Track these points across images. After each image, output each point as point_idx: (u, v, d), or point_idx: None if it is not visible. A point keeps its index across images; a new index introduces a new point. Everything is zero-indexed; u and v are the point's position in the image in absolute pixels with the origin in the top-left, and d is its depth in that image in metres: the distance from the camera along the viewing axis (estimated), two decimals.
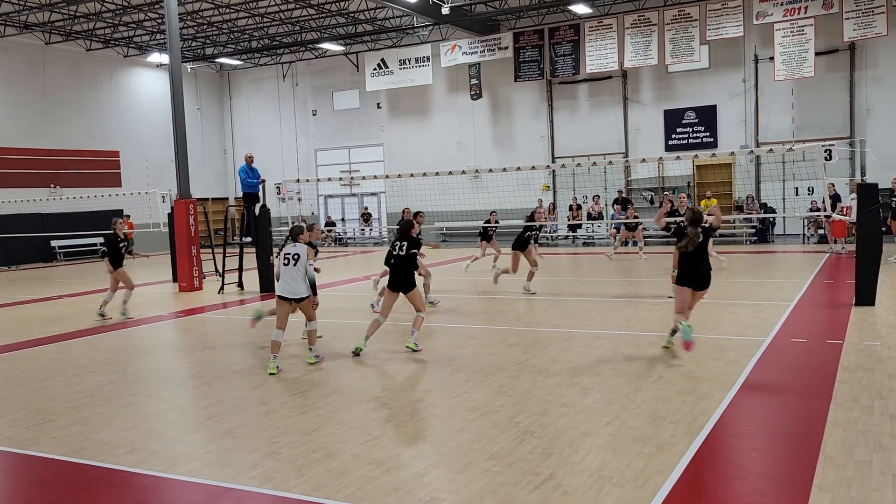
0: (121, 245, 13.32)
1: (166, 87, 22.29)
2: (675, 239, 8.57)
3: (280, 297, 8.73)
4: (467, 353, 9.10)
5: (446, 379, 7.91)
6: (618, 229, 22.82)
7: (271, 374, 8.35)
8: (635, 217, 22.10)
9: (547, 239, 27.91)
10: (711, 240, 10.28)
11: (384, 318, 9.32)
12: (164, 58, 29.46)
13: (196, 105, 33.95)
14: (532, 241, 14.08)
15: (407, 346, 9.24)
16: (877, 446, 5.34)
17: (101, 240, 29.31)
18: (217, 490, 5.10)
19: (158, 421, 6.79)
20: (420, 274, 10.98)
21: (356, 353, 9.11)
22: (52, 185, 28.30)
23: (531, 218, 14.40)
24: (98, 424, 6.71)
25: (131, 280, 13.43)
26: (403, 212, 14.69)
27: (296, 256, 8.68)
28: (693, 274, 8.32)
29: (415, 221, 9.99)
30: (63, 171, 28.75)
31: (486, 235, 17.48)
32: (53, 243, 28.22)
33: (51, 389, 8.12)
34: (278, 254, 9.01)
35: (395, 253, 9.21)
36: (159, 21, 26.88)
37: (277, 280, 9.00)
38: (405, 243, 9.19)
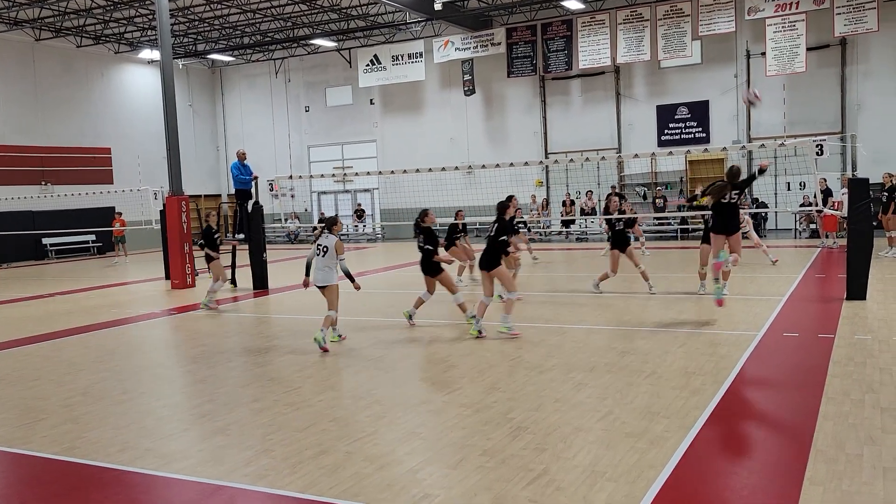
0: (215, 236, 13.87)
1: (158, 83, 22.22)
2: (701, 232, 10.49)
3: (315, 285, 9.58)
4: (461, 350, 9.11)
5: (440, 375, 7.91)
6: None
7: (316, 341, 9.23)
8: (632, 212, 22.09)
9: (540, 234, 27.94)
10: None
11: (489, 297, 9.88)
12: (155, 54, 29.34)
13: (188, 101, 33.83)
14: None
15: (499, 332, 9.68)
16: (868, 440, 5.36)
17: (93, 237, 29.26)
18: (210, 488, 5.09)
19: (151, 419, 6.78)
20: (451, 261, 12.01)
21: (478, 335, 9.64)
22: (43, 183, 28.17)
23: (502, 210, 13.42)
24: (90, 423, 6.69)
25: (223, 272, 13.83)
26: (457, 214, 14.80)
27: (325, 248, 9.46)
28: (727, 223, 10.01)
29: (436, 216, 10.87)
30: (54, 169, 28.61)
31: (451, 240, 14.50)
32: (45, 241, 28.10)
33: (42, 388, 8.09)
34: (315, 245, 9.66)
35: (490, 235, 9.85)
36: (150, 17, 26.76)
37: (308, 268, 9.71)
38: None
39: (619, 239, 12.89)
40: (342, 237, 12.23)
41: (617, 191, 25.75)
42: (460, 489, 4.82)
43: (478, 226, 28.53)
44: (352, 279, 9.51)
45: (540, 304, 12.46)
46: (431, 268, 10.53)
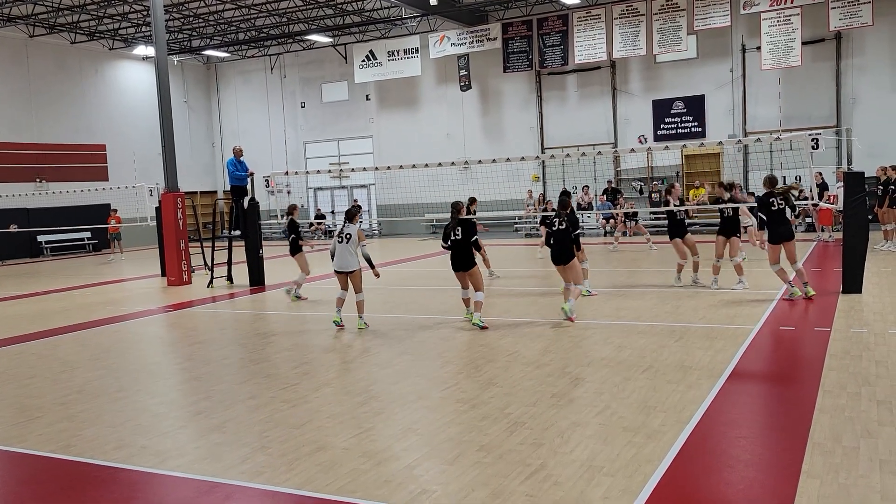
0: (300, 230, 14.21)
1: (153, 79, 22.14)
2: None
3: (336, 271, 10.42)
4: (457, 345, 9.10)
5: (436, 371, 7.90)
6: (607, 220, 22.81)
7: (335, 322, 10.42)
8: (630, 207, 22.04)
9: (536, 229, 27.92)
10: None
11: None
12: (150, 50, 29.24)
13: (183, 98, 33.75)
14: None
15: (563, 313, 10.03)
16: (864, 433, 5.36)
17: (88, 234, 29.19)
18: (207, 485, 5.07)
19: (147, 416, 6.76)
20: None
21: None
22: (37, 180, 28.09)
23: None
24: (86, 421, 6.67)
25: (308, 265, 13.92)
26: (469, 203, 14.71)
27: (348, 236, 10.27)
28: (782, 230, 10.88)
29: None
30: (49, 166, 28.52)
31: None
32: (40, 238, 28.02)
33: (38, 386, 8.06)
34: (338, 234, 10.46)
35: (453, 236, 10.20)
36: (145, 13, 26.67)
37: (333, 257, 10.47)
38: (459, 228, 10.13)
39: (677, 227, 12.68)
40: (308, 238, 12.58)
41: (613, 185, 25.75)
42: (457, 485, 4.81)
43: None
44: (372, 266, 10.32)
45: (537, 298, 12.45)
46: (467, 262, 10.09)
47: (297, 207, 14.70)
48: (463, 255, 10.11)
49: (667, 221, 13.36)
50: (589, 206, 26.07)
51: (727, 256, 12.13)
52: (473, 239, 10.19)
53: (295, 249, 13.83)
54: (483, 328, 9.87)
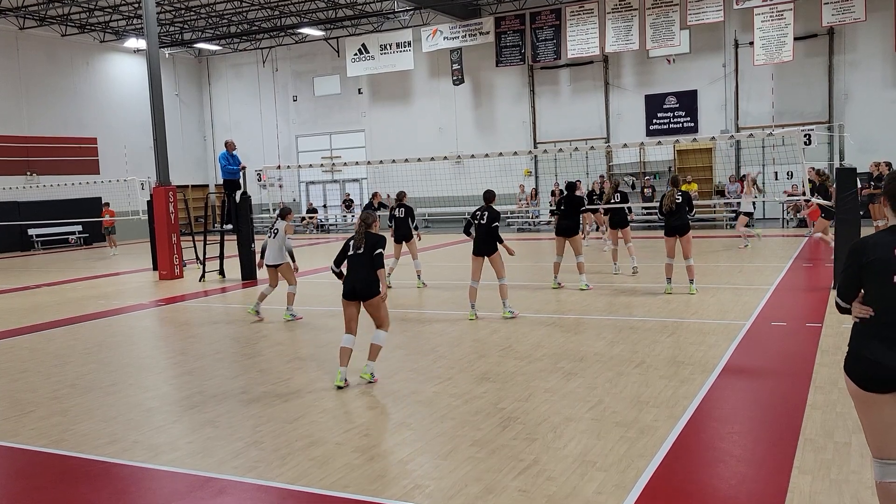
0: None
1: (144, 72, 21.98)
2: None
3: (266, 265, 10.91)
4: (450, 340, 9.11)
5: (430, 366, 7.90)
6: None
7: (251, 312, 11.08)
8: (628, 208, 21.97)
9: (529, 224, 27.96)
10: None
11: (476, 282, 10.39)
12: (141, 43, 29.09)
13: (175, 91, 33.56)
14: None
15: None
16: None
17: (79, 228, 29.05)
18: (200, 480, 5.07)
19: (139, 411, 6.74)
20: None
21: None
22: (28, 173, 27.91)
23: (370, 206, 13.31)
24: (78, 415, 6.65)
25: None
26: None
27: (275, 231, 10.75)
28: (676, 224, 11.38)
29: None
30: (39, 159, 28.35)
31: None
32: (30, 231, 27.87)
33: (30, 380, 8.03)
34: (269, 229, 10.94)
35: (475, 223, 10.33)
36: (136, 5, 26.50)
37: (262, 253, 10.97)
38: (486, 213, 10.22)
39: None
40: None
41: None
42: (451, 479, 4.82)
43: (465, 216, 28.52)
44: (292, 258, 10.85)
45: (529, 293, 12.46)
46: (490, 247, 10.17)
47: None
48: (486, 240, 10.18)
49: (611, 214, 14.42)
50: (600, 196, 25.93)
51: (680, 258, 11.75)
52: (494, 225, 10.27)
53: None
54: (513, 316, 10.19)
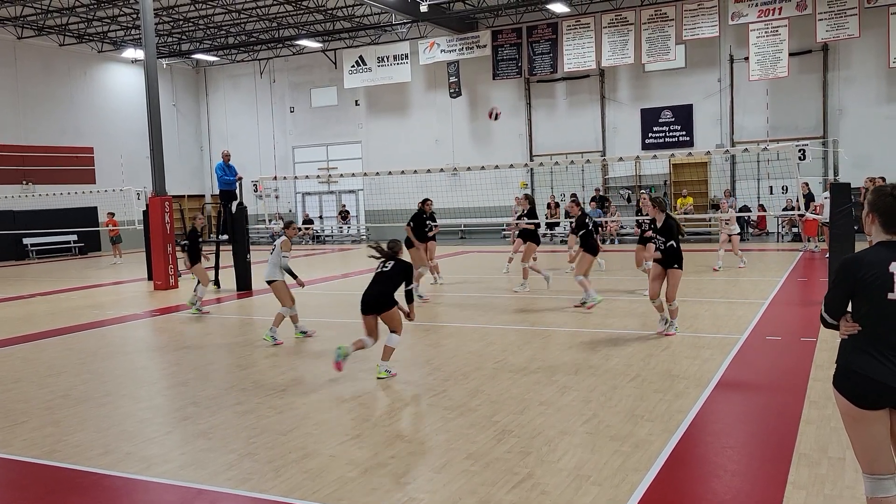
0: (200, 241, 13.86)
1: (141, 82, 22.07)
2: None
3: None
4: (445, 352, 9.10)
5: (424, 378, 7.89)
6: (597, 228, 22.61)
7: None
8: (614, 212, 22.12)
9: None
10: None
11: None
12: (139, 53, 29.13)
13: (172, 101, 33.61)
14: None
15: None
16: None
17: (75, 237, 28.99)
18: (193, 492, 5.05)
19: (133, 422, 6.71)
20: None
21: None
22: (24, 182, 27.87)
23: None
24: (71, 426, 6.62)
25: (206, 276, 13.68)
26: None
27: (274, 247, 10.25)
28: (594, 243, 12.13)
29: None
30: (36, 168, 28.31)
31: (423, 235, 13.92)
32: (26, 241, 27.79)
33: (23, 390, 7.99)
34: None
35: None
36: (134, 16, 26.57)
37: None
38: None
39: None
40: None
41: (601, 194, 25.82)
42: (445, 493, 4.81)
43: (462, 227, 28.62)
44: (293, 276, 10.20)
45: (524, 305, 12.47)
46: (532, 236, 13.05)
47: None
48: (529, 234, 13.01)
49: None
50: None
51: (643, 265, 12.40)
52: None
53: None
54: (590, 307, 11.35)
